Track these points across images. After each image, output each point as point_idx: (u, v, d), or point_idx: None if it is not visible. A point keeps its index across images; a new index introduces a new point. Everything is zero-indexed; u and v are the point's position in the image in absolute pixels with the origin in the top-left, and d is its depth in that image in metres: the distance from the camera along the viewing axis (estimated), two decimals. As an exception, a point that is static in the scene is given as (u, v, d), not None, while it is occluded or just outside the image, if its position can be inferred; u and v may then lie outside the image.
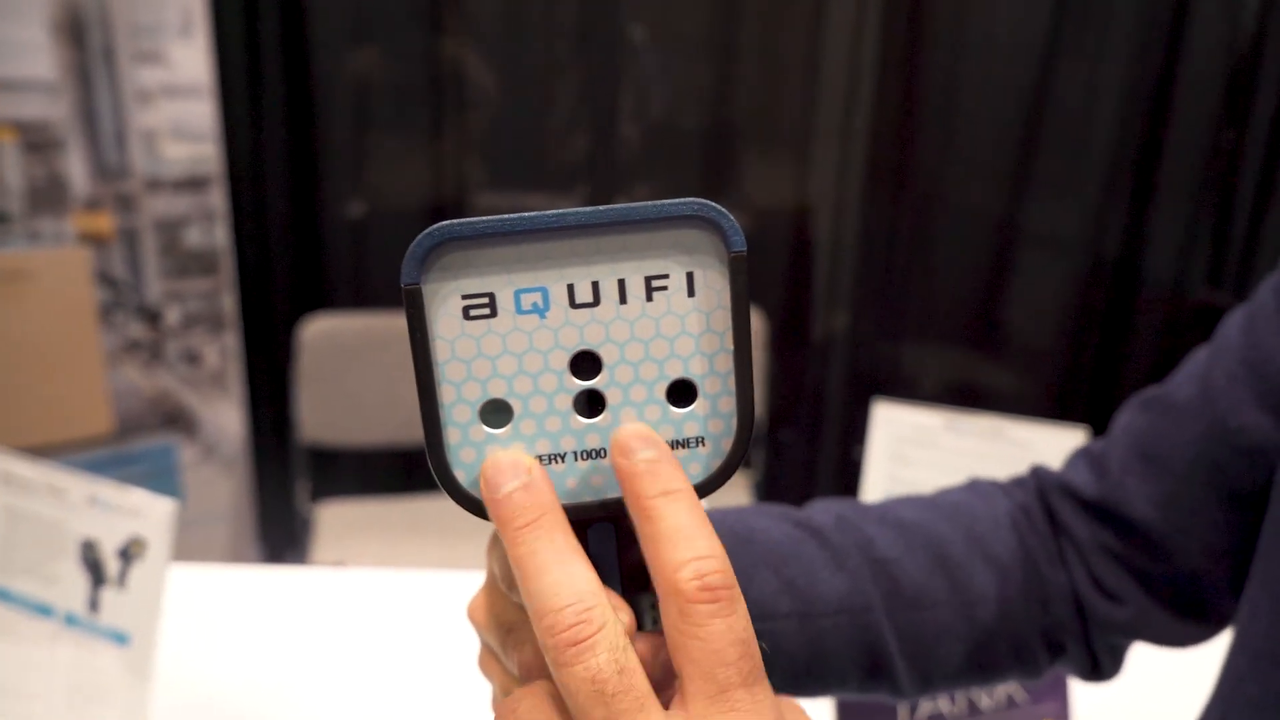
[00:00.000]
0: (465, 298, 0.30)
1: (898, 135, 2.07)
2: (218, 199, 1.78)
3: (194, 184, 1.75)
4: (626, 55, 2.06)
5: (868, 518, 0.52)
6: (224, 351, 1.85)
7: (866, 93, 2.06)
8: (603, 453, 0.32)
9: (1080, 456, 0.55)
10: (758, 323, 1.95)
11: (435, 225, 0.30)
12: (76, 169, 1.64)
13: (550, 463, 0.32)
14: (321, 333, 1.78)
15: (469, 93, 2.06)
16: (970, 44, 2.03)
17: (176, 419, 1.82)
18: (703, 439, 0.32)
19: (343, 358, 1.78)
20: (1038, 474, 0.57)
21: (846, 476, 2.24)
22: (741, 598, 0.28)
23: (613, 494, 0.32)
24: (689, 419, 0.32)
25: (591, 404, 0.32)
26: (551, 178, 2.15)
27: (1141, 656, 0.55)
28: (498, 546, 0.37)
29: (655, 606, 0.37)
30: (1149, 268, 2.09)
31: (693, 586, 0.28)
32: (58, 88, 1.60)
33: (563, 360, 0.31)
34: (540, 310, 0.30)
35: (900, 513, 0.52)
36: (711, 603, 0.27)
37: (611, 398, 0.32)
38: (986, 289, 2.16)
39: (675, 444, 0.32)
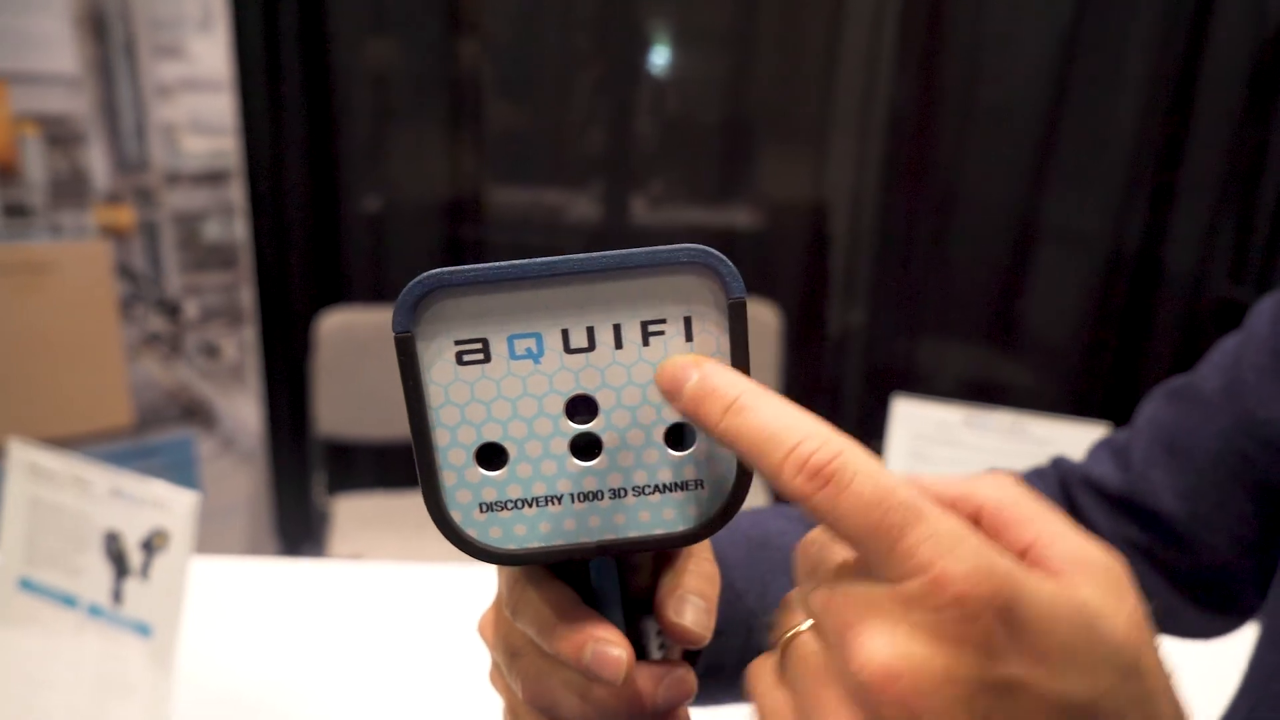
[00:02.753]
0: (458, 344, 0.30)
1: (916, 129, 2.06)
2: (236, 193, 1.79)
3: (213, 178, 1.76)
4: (644, 49, 2.05)
5: None
6: (242, 345, 1.86)
7: (885, 87, 2.05)
8: (600, 495, 0.32)
9: (1103, 448, 0.55)
10: (774, 317, 1.94)
11: (425, 273, 0.30)
12: (97, 162, 1.65)
13: (546, 505, 0.32)
14: (339, 326, 1.79)
15: (486, 87, 2.06)
16: (989, 37, 2.01)
17: (195, 412, 1.83)
18: (701, 482, 0.32)
19: (360, 351, 1.79)
20: (1059, 465, 0.56)
21: (862, 472, 2.24)
22: (856, 455, 0.26)
23: (610, 535, 0.32)
24: (688, 462, 0.32)
25: (588, 447, 0.32)
26: (568, 172, 2.15)
27: (1166, 647, 0.54)
28: (503, 569, 0.36)
29: (661, 633, 0.37)
30: (1170, 263, 2.07)
31: (799, 483, 0.26)
32: (79, 82, 1.60)
33: (558, 405, 0.31)
34: (534, 355, 0.30)
35: None
36: (824, 487, 0.26)
37: (608, 441, 0.31)
38: (1005, 284, 2.15)
39: (674, 486, 0.32)
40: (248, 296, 1.84)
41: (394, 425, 1.84)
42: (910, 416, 0.96)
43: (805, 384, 2.20)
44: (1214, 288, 2.08)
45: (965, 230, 2.11)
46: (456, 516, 0.32)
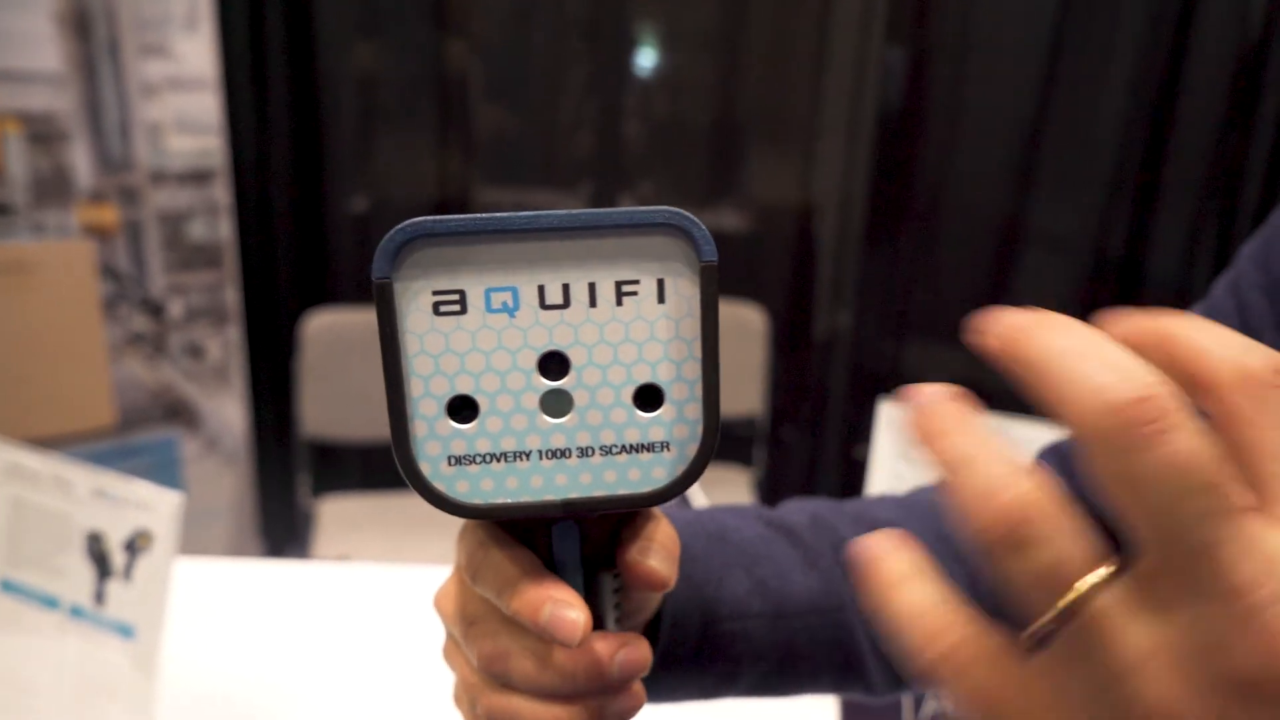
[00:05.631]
0: (436, 294, 0.30)
1: (903, 133, 2.07)
2: (222, 192, 1.78)
3: (198, 177, 1.75)
4: (632, 52, 2.06)
5: (842, 518, 0.52)
6: (227, 345, 1.85)
7: (872, 90, 2.06)
8: (567, 453, 0.32)
9: (1048, 454, 0.55)
10: (761, 319, 1.95)
11: (408, 221, 0.30)
12: (81, 161, 1.63)
13: (514, 460, 0.32)
14: (324, 327, 1.78)
15: (474, 88, 2.06)
16: (976, 41, 2.02)
17: (179, 412, 1.82)
18: (668, 444, 0.32)
19: (345, 352, 1.78)
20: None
21: (848, 475, 2.24)
22: (1174, 405, 0.20)
23: (576, 494, 0.32)
24: (655, 424, 0.32)
25: (559, 404, 0.32)
26: (556, 174, 2.15)
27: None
28: (465, 537, 0.37)
29: (619, 606, 0.37)
30: (1153, 267, 2.08)
31: (1117, 427, 0.21)
32: (63, 80, 1.59)
33: (531, 360, 0.31)
34: (510, 310, 0.31)
35: (874, 513, 0.53)
36: (1153, 429, 0.20)
37: (578, 399, 0.32)
38: (990, 288, 2.16)
39: (640, 447, 0.32)
40: (232, 296, 1.83)
41: (380, 426, 1.83)
42: (897, 420, 0.97)
43: (792, 387, 2.20)
44: (1197, 291, 2.09)
45: (951, 234, 2.12)
46: (425, 469, 0.32)
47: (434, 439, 0.32)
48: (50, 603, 0.71)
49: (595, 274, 0.31)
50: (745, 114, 2.13)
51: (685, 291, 0.31)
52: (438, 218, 0.30)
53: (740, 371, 1.97)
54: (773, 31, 2.07)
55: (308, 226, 2.05)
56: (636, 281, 0.31)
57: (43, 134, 1.60)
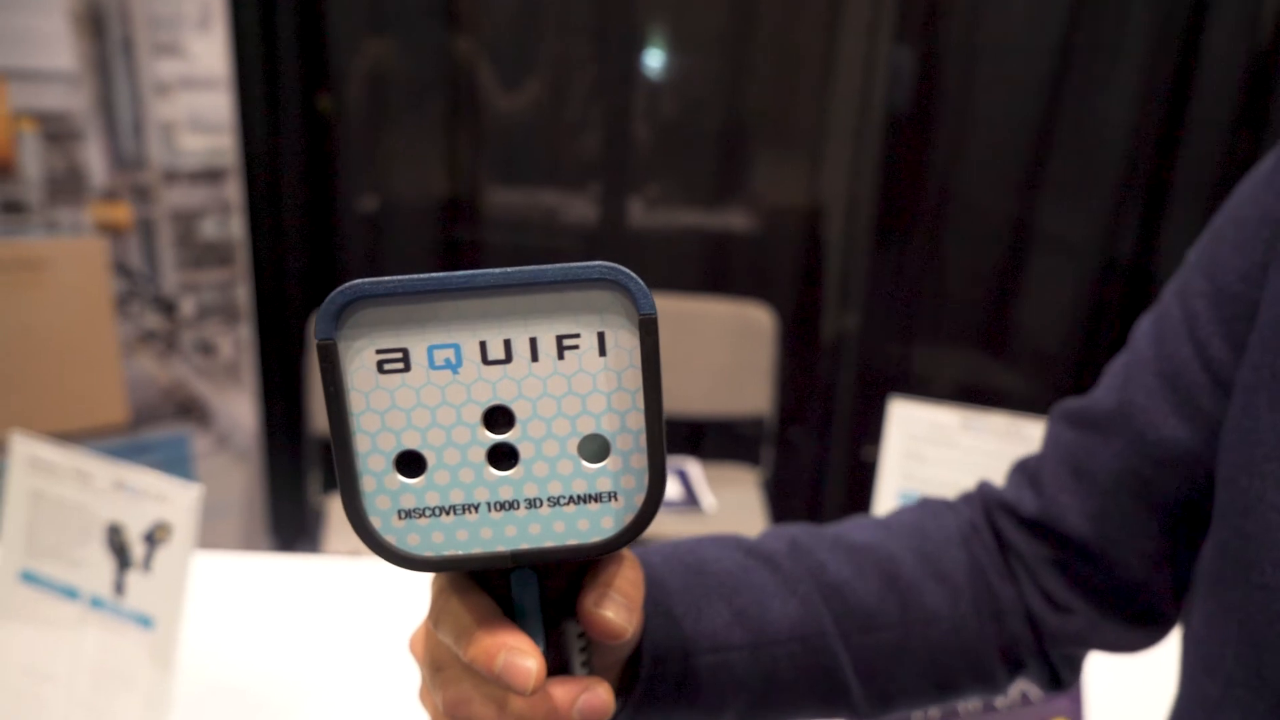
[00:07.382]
0: (379, 352, 0.31)
1: (911, 135, 2.08)
2: (234, 191, 1.79)
3: (210, 176, 1.76)
4: (640, 53, 2.06)
5: (820, 543, 0.52)
6: (238, 343, 1.86)
7: (880, 92, 2.06)
8: (516, 504, 0.32)
9: (1018, 472, 0.56)
10: (769, 320, 1.95)
11: (348, 283, 0.30)
12: (95, 160, 1.65)
13: (463, 513, 0.32)
14: (335, 325, 1.78)
15: (483, 88, 2.07)
16: (984, 44, 2.03)
17: (190, 409, 1.83)
18: (615, 494, 0.33)
19: (356, 350, 1.79)
20: (983, 490, 0.57)
21: (856, 476, 2.25)
22: None
23: (525, 544, 0.33)
24: (601, 474, 0.32)
25: (505, 457, 0.32)
26: (564, 174, 2.16)
27: (1153, 650, 0.55)
28: (432, 584, 0.37)
29: (585, 649, 0.37)
30: (1162, 270, 2.08)
31: None
32: (77, 79, 1.61)
33: (475, 414, 0.32)
34: (453, 366, 0.31)
35: (852, 536, 0.53)
36: None
37: (524, 451, 0.32)
38: (998, 290, 2.16)
39: (587, 498, 0.33)
40: (244, 294, 1.85)
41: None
42: (906, 418, 0.97)
43: (799, 387, 2.21)
44: (1205, 294, 2.09)
45: (959, 236, 2.12)
46: (375, 523, 0.32)
47: (383, 494, 0.32)
48: (70, 593, 0.72)
49: (536, 329, 0.31)
50: (753, 115, 2.13)
51: (626, 344, 0.31)
52: (377, 279, 0.30)
53: (748, 372, 1.97)
54: (780, 33, 2.07)
55: (319, 225, 2.06)
56: (577, 335, 0.31)
57: (57, 132, 1.61)
